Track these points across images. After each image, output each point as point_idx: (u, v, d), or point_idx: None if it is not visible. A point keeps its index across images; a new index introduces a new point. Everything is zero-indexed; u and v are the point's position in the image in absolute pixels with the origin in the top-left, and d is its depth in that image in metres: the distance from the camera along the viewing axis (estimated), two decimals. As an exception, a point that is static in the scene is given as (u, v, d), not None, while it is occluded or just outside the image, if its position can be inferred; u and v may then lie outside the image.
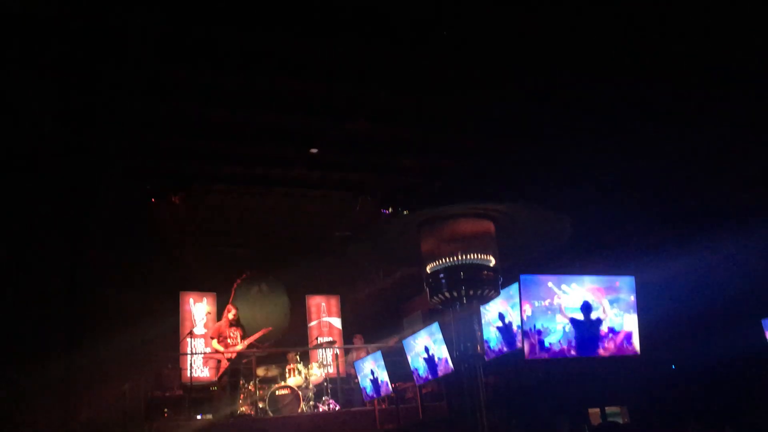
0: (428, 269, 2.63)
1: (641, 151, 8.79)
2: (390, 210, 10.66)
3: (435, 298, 2.60)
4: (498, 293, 2.59)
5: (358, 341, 11.92)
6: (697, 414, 8.07)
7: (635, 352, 5.86)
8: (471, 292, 2.57)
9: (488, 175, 9.70)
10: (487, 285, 2.59)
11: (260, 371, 10.36)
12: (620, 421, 8.94)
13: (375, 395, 9.14)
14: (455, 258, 2.60)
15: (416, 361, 7.95)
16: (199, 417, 9.80)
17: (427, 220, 2.66)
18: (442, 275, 2.58)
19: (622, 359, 6.05)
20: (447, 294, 2.59)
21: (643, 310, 5.87)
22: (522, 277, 5.55)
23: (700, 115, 8.14)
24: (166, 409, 9.67)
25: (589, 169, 9.12)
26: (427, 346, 7.69)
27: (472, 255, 2.60)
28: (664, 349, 8.38)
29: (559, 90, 7.90)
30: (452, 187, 9.98)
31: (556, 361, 5.79)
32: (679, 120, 8.31)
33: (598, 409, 8.31)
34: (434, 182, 10.25)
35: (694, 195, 9.21)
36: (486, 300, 2.58)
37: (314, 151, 9.52)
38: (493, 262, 2.59)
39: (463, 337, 2.54)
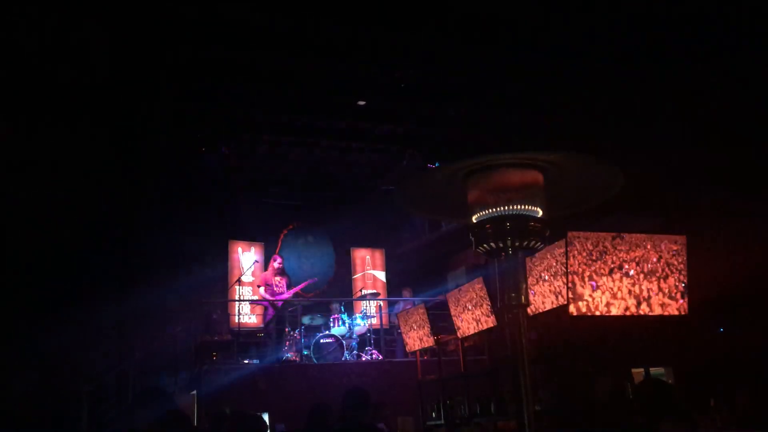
0: (474, 219, 2.58)
1: (697, 103, 8.47)
2: (436, 164, 10.57)
3: (480, 248, 2.55)
4: (545, 245, 2.54)
5: (407, 293, 12.05)
6: (744, 379, 7.92)
7: (684, 313, 5.78)
8: (517, 243, 2.51)
9: (537, 125, 9.51)
10: (534, 236, 2.52)
11: (305, 320, 10.59)
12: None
13: None
14: (502, 208, 2.54)
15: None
16: (246, 361, 10.11)
17: (474, 169, 2.60)
18: (488, 225, 2.53)
19: (669, 319, 5.96)
20: (492, 244, 2.53)
21: (693, 270, 5.74)
22: (570, 233, 5.51)
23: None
24: (215, 353, 9.98)
25: (642, 125, 8.84)
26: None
27: (519, 206, 2.54)
28: (714, 312, 8.21)
29: (610, 36, 7.65)
30: (500, 137, 9.81)
31: (601, 318, 5.75)
32: (734, 66, 7.97)
33: (642, 369, 8.22)
34: (481, 133, 10.10)
35: (748, 153, 8.87)
36: (533, 251, 2.53)
37: (362, 102, 9.48)
38: (540, 213, 2.53)
39: (507, 287, 2.51)
